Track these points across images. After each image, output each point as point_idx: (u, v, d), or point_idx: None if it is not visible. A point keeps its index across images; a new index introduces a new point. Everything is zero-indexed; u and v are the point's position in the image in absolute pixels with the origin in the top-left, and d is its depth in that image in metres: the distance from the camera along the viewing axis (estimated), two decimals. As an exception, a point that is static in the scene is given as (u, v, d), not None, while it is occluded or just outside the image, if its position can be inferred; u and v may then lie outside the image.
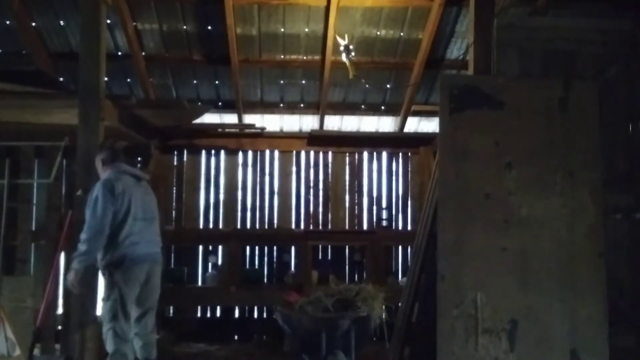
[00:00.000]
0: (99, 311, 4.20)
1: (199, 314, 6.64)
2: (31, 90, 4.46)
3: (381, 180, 6.81)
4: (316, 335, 3.84)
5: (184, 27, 5.71)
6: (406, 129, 6.73)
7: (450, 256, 3.52)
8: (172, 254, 6.57)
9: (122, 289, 3.68)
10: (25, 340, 4.07)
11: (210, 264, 6.56)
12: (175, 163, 6.64)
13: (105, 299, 3.72)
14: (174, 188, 6.61)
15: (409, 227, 6.72)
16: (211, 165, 6.68)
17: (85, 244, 3.59)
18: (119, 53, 5.90)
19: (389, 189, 6.81)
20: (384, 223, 6.76)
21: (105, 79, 4.40)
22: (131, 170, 3.91)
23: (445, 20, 5.67)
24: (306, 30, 5.77)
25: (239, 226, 6.61)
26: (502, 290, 3.49)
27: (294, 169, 6.73)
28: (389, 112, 6.67)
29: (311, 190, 6.72)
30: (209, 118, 6.42)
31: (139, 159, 4.07)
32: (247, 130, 6.53)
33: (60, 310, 4.90)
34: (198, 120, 6.00)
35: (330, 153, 6.76)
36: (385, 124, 6.79)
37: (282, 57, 6.07)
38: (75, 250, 3.64)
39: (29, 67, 5.52)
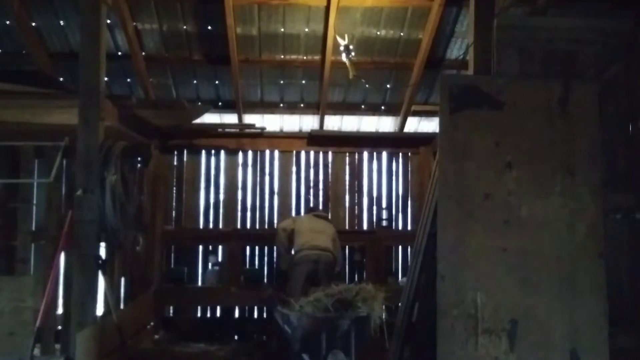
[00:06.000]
0: (99, 311, 4.21)
1: (199, 314, 6.64)
2: (31, 90, 4.46)
3: (381, 180, 6.81)
4: (316, 335, 3.84)
5: (184, 27, 5.71)
6: (406, 129, 6.73)
7: (450, 256, 3.51)
8: (172, 254, 6.57)
9: None
10: (25, 340, 4.07)
11: (210, 264, 6.55)
12: (175, 163, 6.65)
13: None
14: (174, 188, 6.61)
15: (409, 227, 6.71)
16: (211, 165, 6.68)
17: None
18: (119, 53, 5.90)
19: (389, 189, 6.81)
20: (384, 223, 6.75)
21: (105, 79, 4.40)
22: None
23: (445, 20, 5.67)
24: (306, 30, 5.77)
25: (239, 226, 6.61)
26: (502, 290, 3.49)
27: (294, 169, 6.73)
28: (389, 112, 6.67)
29: (311, 190, 6.71)
30: (209, 118, 6.43)
31: (139, 158, 4.07)
32: (247, 130, 6.53)
33: (60, 310, 4.90)
34: (198, 120, 6.01)
35: (330, 153, 6.76)
36: (385, 124, 6.79)
37: (282, 57, 6.07)
38: None
39: (29, 67, 5.53)
